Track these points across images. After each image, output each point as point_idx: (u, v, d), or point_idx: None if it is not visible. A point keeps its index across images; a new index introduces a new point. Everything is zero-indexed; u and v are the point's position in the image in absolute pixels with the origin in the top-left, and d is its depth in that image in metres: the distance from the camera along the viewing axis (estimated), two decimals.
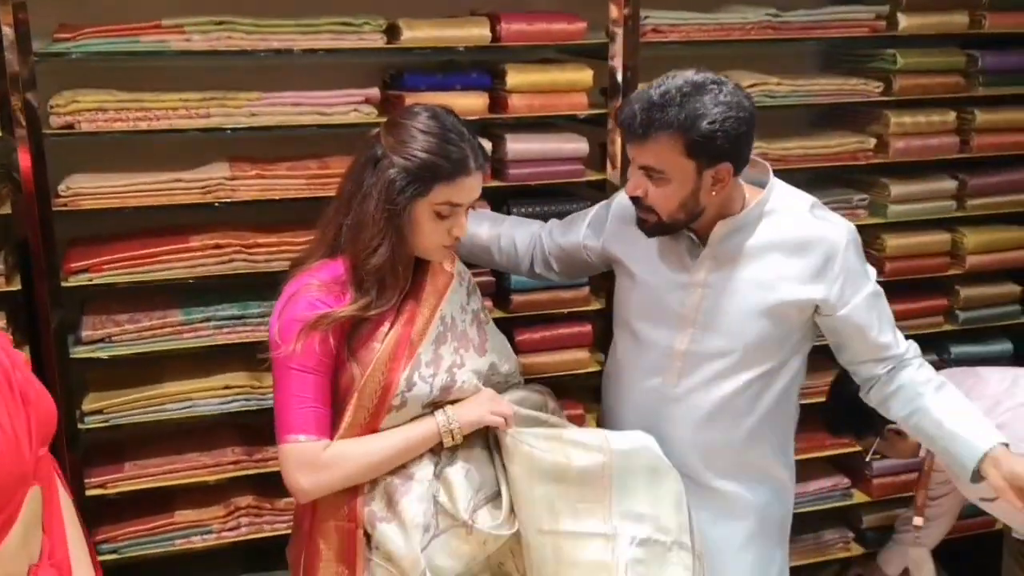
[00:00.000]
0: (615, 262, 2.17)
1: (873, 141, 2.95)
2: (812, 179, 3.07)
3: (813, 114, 3.15)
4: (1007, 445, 1.97)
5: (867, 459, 2.69)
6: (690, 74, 1.89)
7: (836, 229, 2.01)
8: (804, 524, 3.11)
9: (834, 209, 2.84)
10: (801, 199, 2.07)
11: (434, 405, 1.88)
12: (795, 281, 1.98)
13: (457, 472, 1.88)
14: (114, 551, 2.47)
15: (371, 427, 1.83)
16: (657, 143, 1.85)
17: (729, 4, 2.83)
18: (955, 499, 2.71)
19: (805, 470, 3.05)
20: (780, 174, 2.82)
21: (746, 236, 1.99)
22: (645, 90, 1.90)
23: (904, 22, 2.89)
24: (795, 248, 1.98)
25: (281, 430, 1.78)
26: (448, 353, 1.89)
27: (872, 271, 2.08)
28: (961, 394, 2.08)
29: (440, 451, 1.89)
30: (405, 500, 1.83)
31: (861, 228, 2.94)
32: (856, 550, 3.21)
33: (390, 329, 1.83)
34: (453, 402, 1.90)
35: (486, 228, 2.30)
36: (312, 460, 1.78)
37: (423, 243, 1.84)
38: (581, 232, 2.23)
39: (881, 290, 2.07)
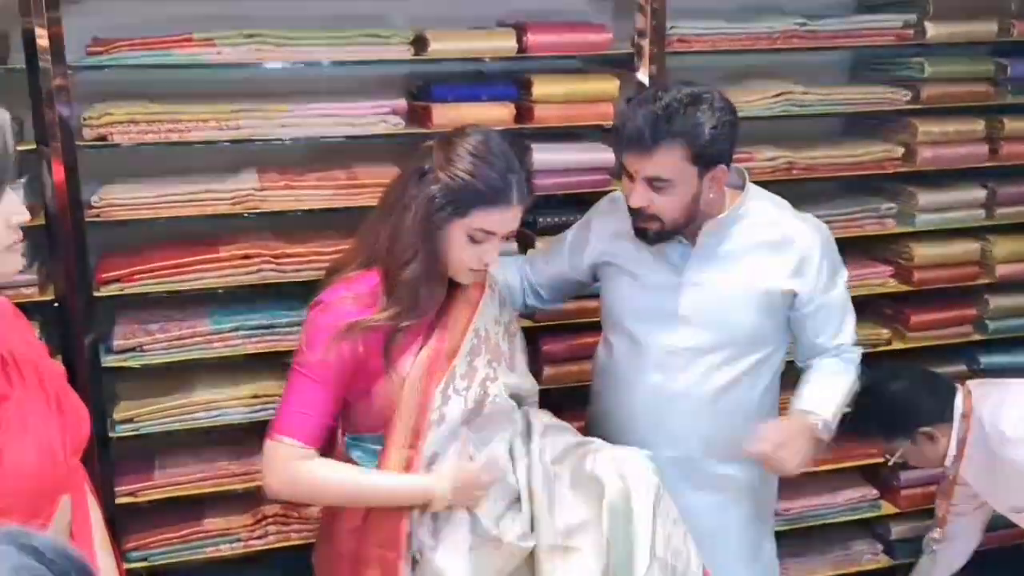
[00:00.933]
0: (607, 268, 2.21)
1: (901, 150, 2.94)
2: (839, 188, 3.07)
3: (840, 123, 3.14)
4: (814, 421, 2.08)
5: (889, 463, 2.68)
6: (682, 87, 1.97)
7: (810, 230, 2.12)
8: (833, 535, 3.10)
9: (861, 218, 2.94)
10: (776, 201, 2.17)
11: (468, 424, 1.86)
12: (778, 274, 2.09)
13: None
14: (144, 558, 2.49)
15: (414, 446, 1.81)
16: (665, 154, 1.92)
17: (756, 13, 2.83)
18: (980, 517, 2.68)
19: (833, 480, 3.05)
20: (807, 183, 2.85)
21: (730, 236, 2.09)
22: (639, 105, 1.95)
23: (932, 30, 2.88)
24: (775, 245, 2.09)
25: (273, 426, 1.80)
26: (482, 365, 1.88)
27: (843, 275, 2.18)
28: (842, 378, 2.17)
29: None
30: (448, 526, 1.82)
31: (889, 237, 3.00)
32: (885, 562, 3.18)
33: (423, 344, 1.83)
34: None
35: None
36: (287, 464, 1.78)
37: (452, 264, 1.83)
38: (565, 258, 2.28)
39: (846, 295, 2.19)
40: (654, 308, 2.12)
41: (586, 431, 2.28)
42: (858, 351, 2.23)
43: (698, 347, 2.11)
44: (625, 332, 2.18)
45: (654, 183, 1.95)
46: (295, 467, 1.78)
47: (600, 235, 2.22)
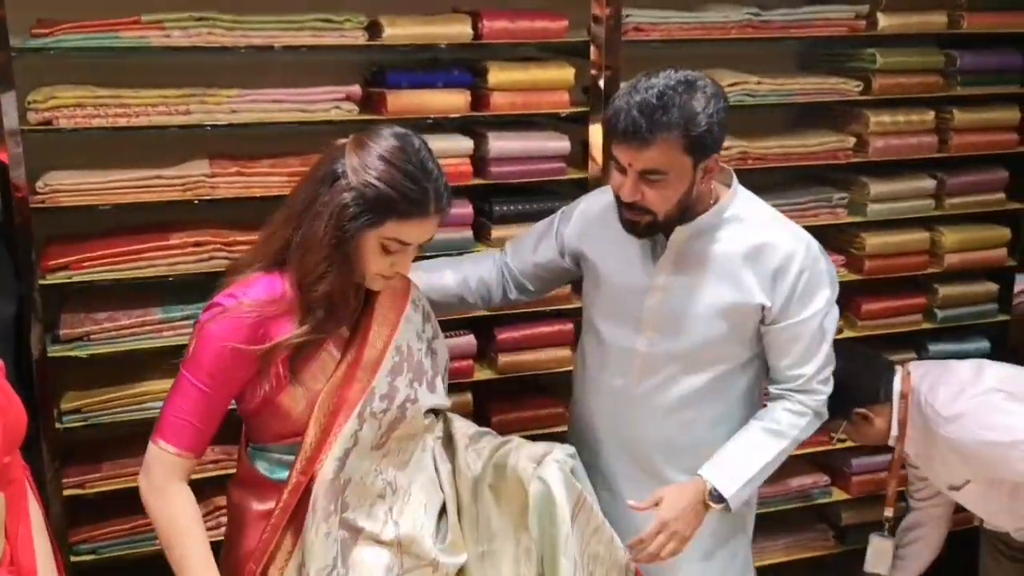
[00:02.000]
0: (584, 260, 2.16)
1: (852, 140, 2.96)
2: (792, 178, 3.10)
3: (793, 113, 3.16)
4: (707, 491, 1.98)
5: (832, 442, 2.72)
6: (672, 73, 1.88)
7: (794, 242, 2.01)
8: (783, 522, 3.13)
9: (813, 208, 2.95)
10: (763, 208, 2.08)
11: (378, 446, 1.81)
12: (749, 286, 1.99)
13: (416, 507, 1.85)
14: (92, 551, 2.45)
15: (306, 472, 1.74)
16: (660, 146, 1.83)
17: (710, 3, 2.84)
18: (942, 505, 2.70)
19: (785, 467, 3.03)
20: (760, 173, 2.87)
21: (706, 241, 2.01)
22: (632, 94, 1.86)
23: (884, 22, 2.91)
24: (752, 254, 1.99)
25: (157, 429, 1.73)
26: (403, 386, 1.82)
27: (823, 299, 2.02)
28: (768, 450, 2.04)
29: (391, 491, 1.84)
30: (360, 552, 1.79)
31: (841, 227, 3.03)
32: (836, 547, 3.23)
33: (341, 357, 1.77)
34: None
35: (450, 276, 2.22)
36: (157, 471, 1.72)
37: (362, 270, 1.74)
38: (552, 242, 2.20)
39: (828, 325, 2.04)
40: (620, 308, 2.08)
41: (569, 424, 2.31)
42: (821, 397, 2.08)
43: (659, 354, 2.05)
44: (594, 330, 2.15)
45: (648, 176, 1.87)
46: (165, 484, 1.71)
47: (585, 219, 2.15)
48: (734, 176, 2.07)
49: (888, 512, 2.72)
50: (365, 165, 1.67)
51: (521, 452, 1.89)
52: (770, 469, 2.06)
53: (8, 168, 2.22)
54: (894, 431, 2.52)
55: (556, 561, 1.83)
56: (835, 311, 2.07)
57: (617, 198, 1.95)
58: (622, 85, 2.06)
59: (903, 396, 2.50)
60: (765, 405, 2.13)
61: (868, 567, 2.81)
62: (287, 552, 1.76)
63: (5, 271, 1.84)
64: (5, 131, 2.20)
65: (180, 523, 1.73)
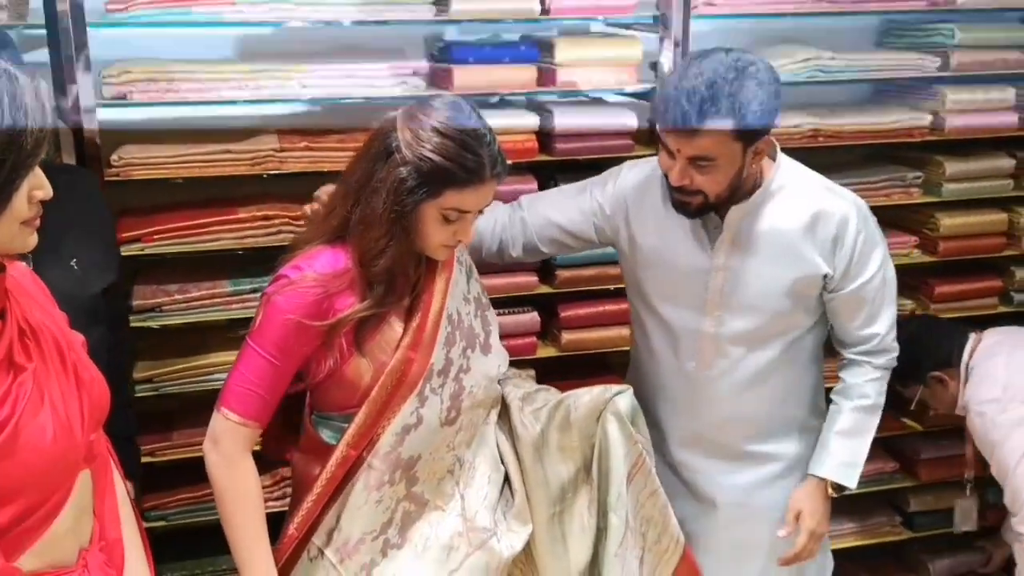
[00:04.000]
0: (620, 236, 2.13)
1: (929, 118, 2.88)
2: (865, 156, 3.03)
3: (867, 90, 3.09)
4: (828, 484, 2.10)
5: (912, 408, 2.76)
6: (723, 57, 1.83)
7: (846, 206, 2.02)
8: (850, 507, 3.08)
9: (886, 187, 2.89)
10: (810, 175, 2.07)
11: (450, 422, 1.82)
12: (809, 255, 2.00)
13: (482, 479, 1.86)
14: (162, 518, 2.51)
15: (356, 447, 1.76)
16: (709, 135, 1.82)
17: None
18: None
19: None
20: (832, 151, 2.81)
21: (761, 216, 2.00)
22: (681, 80, 1.83)
23: None
24: (808, 225, 2.00)
25: (222, 398, 1.75)
26: (457, 356, 1.82)
27: (879, 256, 2.05)
28: (871, 417, 2.13)
29: (459, 465, 1.85)
30: (423, 525, 1.81)
31: (915, 207, 2.96)
32: (904, 534, 3.17)
33: (404, 330, 1.77)
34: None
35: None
36: (223, 439, 1.74)
37: (425, 243, 1.74)
38: (588, 205, 2.14)
39: (889, 277, 2.09)
40: (682, 290, 2.06)
41: None
42: (895, 354, 2.14)
43: (731, 334, 2.05)
44: (657, 315, 2.13)
45: (697, 162, 1.86)
46: (231, 454, 1.74)
47: (625, 196, 2.11)
48: (778, 147, 2.05)
49: (968, 474, 2.80)
50: (418, 138, 1.67)
51: (580, 405, 1.87)
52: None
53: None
54: (960, 399, 2.51)
55: (608, 517, 1.85)
56: (890, 263, 2.10)
57: (666, 178, 1.94)
58: (675, 65, 2.02)
59: (967, 364, 2.49)
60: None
61: (957, 528, 2.91)
62: (329, 526, 1.79)
63: (96, 246, 1.88)
64: (81, 105, 2.25)
65: (242, 496, 1.76)
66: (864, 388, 2.10)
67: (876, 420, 2.13)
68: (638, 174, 2.13)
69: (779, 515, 2.13)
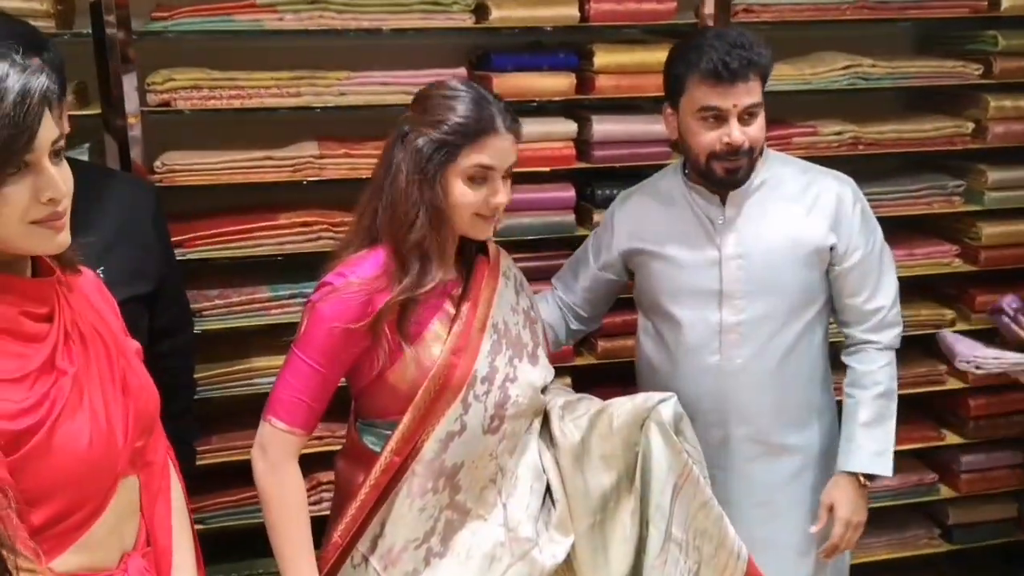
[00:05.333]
0: (639, 256, 2.17)
1: (971, 125, 2.86)
2: (906, 164, 3.00)
3: (908, 97, 3.06)
4: (860, 476, 2.11)
5: None
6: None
7: (839, 181, 2.11)
8: (889, 518, 3.05)
9: (927, 195, 2.88)
10: (795, 160, 2.17)
11: (492, 431, 1.81)
12: (814, 228, 2.06)
13: (524, 489, 1.85)
14: (200, 522, 2.52)
15: (400, 453, 1.76)
16: (755, 80, 1.96)
17: None
18: None
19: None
20: (872, 159, 2.79)
21: (760, 198, 2.07)
22: (717, 41, 1.94)
23: (1007, 2, 2.78)
24: (807, 199, 2.08)
25: (269, 407, 1.76)
26: (503, 364, 1.81)
27: (876, 226, 2.14)
28: (890, 402, 2.14)
29: (501, 474, 1.84)
30: (465, 535, 1.80)
31: (956, 215, 2.92)
32: (942, 547, 3.13)
33: (447, 335, 1.76)
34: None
35: None
36: (271, 448, 1.74)
37: (459, 213, 1.73)
38: (590, 263, 2.25)
39: (887, 249, 2.15)
40: (697, 287, 2.09)
41: None
42: (899, 329, 2.17)
43: (752, 319, 2.07)
44: (669, 316, 2.14)
45: (749, 112, 1.96)
46: (280, 463, 1.75)
47: (624, 222, 2.19)
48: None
49: None
50: (425, 110, 1.73)
51: (622, 413, 1.85)
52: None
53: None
54: None
55: (647, 527, 1.84)
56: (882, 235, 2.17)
57: (708, 158, 1.98)
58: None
59: None
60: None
61: None
62: (374, 533, 1.78)
63: (132, 255, 1.89)
64: (127, 112, 2.28)
65: (289, 504, 1.77)
66: (876, 376, 2.13)
67: (895, 404, 2.15)
68: (628, 201, 2.22)
69: (802, 513, 2.16)
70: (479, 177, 1.73)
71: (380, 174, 1.78)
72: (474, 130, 1.71)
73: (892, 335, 2.15)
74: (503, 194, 1.76)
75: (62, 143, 1.28)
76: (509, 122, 1.74)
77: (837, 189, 2.08)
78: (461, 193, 1.72)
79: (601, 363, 2.72)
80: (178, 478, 1.60)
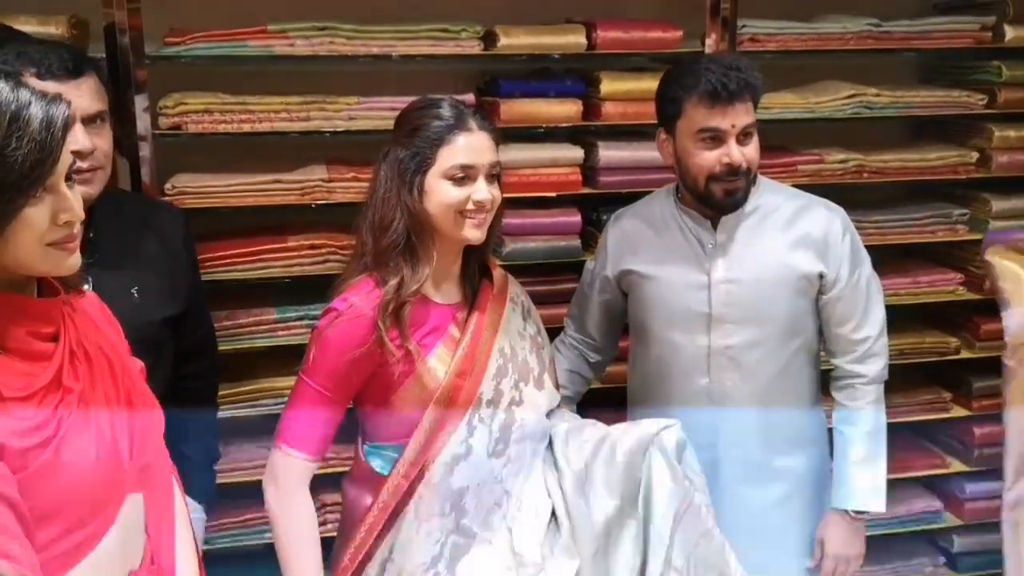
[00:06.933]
0: (630, 277, 2.18)
1: (975, 155, 2.87)
2: (910, 193, 3.02)
3: (913, 126, 3.08)
4: (853, 512, 2.12)
5: None
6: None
7: (829, 209, 2.12)
8: (893, 546, 3.04)
9: (932, 224, 2.88)
10: (787, 186, 2.21)
11: (497, 454, 1.82)
12: (803, 255, 2.07)
13: (529, 513, 1.85)
14: (205, 542, 2.52)
15: (408, 476, 1.77)
16: (750, 101, 1.99)
17: (828, 14, 2.79)
18: None
19: (896, 491, 2.98)
20: (877, 188, 2.80)
21: (751, 224, 2.09)
22: (711, 64, 1.97)
23: (1011, 33, 2.81)
24: (797, 227, 2.09)
25: (280, 435, 1.78)
26: (508, 388, 1.83)
27: (865, 256, 2.14)
28: (879, 439, 2.15)
29: (507, 498, 1.84)
30: (472, 560, 1.79)
31: (961, 244, 2.93)
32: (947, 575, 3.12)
33: (451, 359, 1.79)
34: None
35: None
36: (283, 476, 1.77)
37: (443, 213, 1.74)
38: (594, 295, 2.28)
39: (875, 279, 2.15)
40: (686, 310, 2.10)
41: None
42: (883, 359, 2.16)
43: (741, 344, 2.09)
44: (660, 339, 2.15)
45: (745, 132, 1.98)
46: (292, 490, 1.77)
47: (617, 243, 2.21)
48: None
49: None
50: (399, 126, 1.80)
51: (626, 440, 1.85)
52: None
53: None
54: None
55: (647, 555, 1.83)
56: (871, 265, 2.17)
57: (707, 180, 2.00)
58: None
59: None
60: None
61: None
62: (383, 557, 1.79)
63: (161, 277, 1.91)
64: (138, 135, 2.31)
65: (300, 532, 1.79)
66: (865, 412, 2.14)
67: (884, 439, 2.15)
68: (620, 222, 2.25)
69: (792, 538, 2.18)
70: (460, 177, 1.75)
71: (369, 195, 1.82)
72: (446, 131, 1.74)
73: (878, 367, 2.15)
74: (486, 191, 1.77)
75: (75, 166, 1.31)
76: (481, 121, 1.78)
77: (827, 218, 2.09)
78: (444, 192, 1.74)
79: (604, 387, 2.72)
80: (183, 497, 1.61)
